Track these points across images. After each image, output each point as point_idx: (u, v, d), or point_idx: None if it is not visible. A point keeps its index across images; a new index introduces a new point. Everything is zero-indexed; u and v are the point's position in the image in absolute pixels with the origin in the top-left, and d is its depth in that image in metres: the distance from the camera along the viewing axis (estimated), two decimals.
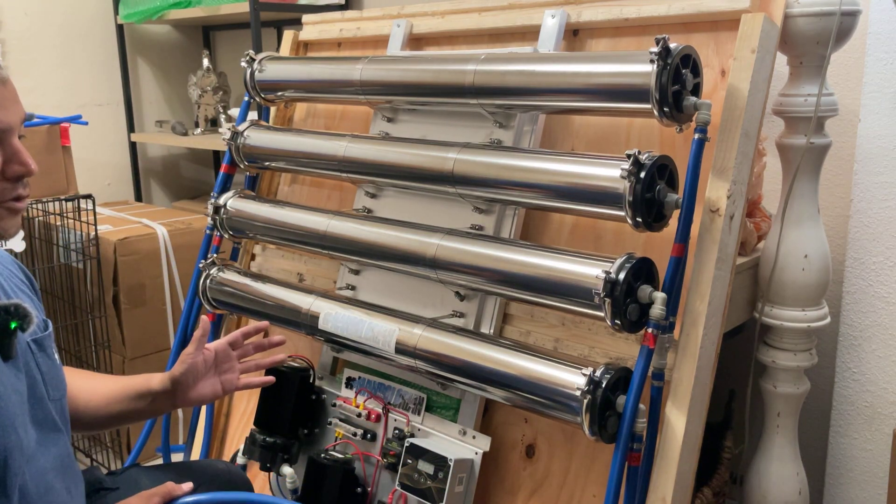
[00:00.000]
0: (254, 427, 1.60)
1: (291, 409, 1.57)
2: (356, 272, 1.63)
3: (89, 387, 1.26)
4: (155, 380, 1.26)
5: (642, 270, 1.17)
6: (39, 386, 1.06)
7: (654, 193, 1.16)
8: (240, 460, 1.62)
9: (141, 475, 1.26)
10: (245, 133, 1.77)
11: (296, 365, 1.62)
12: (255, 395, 1.68)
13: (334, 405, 1.59)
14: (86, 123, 2.58)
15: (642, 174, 1.14)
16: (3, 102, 0.98)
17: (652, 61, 1.16)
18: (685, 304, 1.23)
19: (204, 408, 1.91)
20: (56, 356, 1.12)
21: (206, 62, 3.04)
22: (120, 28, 3.09)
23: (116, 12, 3.03)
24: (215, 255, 1.81)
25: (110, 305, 2.33)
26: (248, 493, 1.32)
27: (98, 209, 2.47)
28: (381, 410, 1.52)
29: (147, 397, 1.25)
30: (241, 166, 1.81)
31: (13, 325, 1.01)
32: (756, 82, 1.24)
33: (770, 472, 1.55)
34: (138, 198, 3.23)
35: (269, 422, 1.59)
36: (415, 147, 1.47)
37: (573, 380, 1.17)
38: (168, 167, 3.40)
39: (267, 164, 1.76)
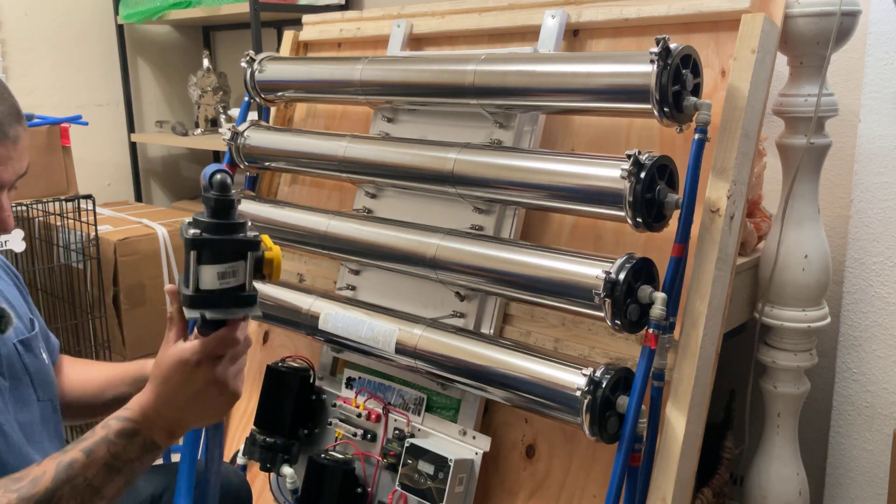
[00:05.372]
0: (254, 427, 1.60)
1: (291, 409, 1.57)
2: (356, 272, 1.63)
3: (84, 374, 1.25)
4: (150, 365, 1.22)
5: (642, 271, 1.16)
6: (26, 388, 1.05)
7: (655, 193, 1.16)
8: (240, 461, 1.62)
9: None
10: (245, 133, 1.77)
11: (296, 365, 1.62)
12: (255, 395, 1.67)
13: (334, 405, 1.59)
14: (86, 124, 2.58)
15: (642, 174, 1.14)
16: (3, 159, 0.95)
17: (652, 61, 1.16)
18: (685, 304, 1.23)
19: None
20: (44, 355, 1.12)
21: (206, 62, 3.04)
22: (120, 28, 3.09)
23: (116, 12, 3.03)
24: None
25: (110, 306, 2.33)
26: None
27: (98, 209, 2.47)
28: (381, 411, 1.51)
29: (142, 382, 1.21)
30: (241, 166, 1.81)
31: None
32: (756, 82, 1.24)
33: (770, 472, 1.55)
34: (138, 198, 3.23)
35: (269, 422, 1.59)
36: (415, 147, 1.47)
37: (573, 380, 1.17)
38: (168, 167, 3.40)
39: (267, 164, 1.76)
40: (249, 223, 0.89)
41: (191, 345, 0.89)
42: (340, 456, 1.47)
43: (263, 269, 0.89)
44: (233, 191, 0.87)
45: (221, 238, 0.86)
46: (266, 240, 0.91)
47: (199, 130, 3.04)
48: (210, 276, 0.85)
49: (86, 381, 1.25)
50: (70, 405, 1.23)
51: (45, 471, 0.85)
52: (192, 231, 0.85)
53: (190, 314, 0.86)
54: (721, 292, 1.24)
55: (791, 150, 1.47)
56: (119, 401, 1.24)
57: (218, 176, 0.86)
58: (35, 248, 2.37)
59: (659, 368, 1.20)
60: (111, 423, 0.89)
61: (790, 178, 1.48)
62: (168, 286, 0.94)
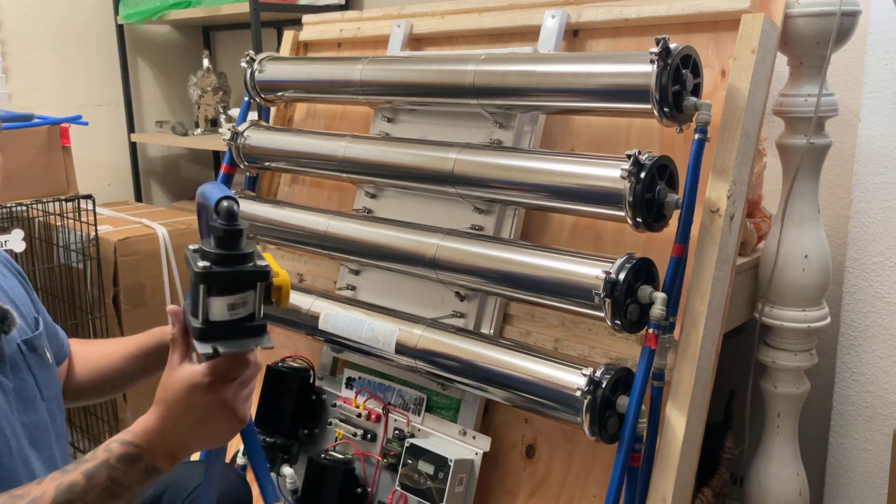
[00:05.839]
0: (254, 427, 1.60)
1: (291, 409, 1.57)
2: (356, 272, 1.63)
3: (101, 352, 1.25)
4: (166, 333, 1.21)
5: (642, 271, 1.16)
6: (31, 388, 1.05)
7: (654, 194, 1.16)
8: (240, 461, 1.62)
9: None
10: (245, 133, 1.77)
11: (296, 365, 1.62)
12: (255, 395, 1.68)
13: (334, 405, 1.59)
14: (86, 124, 2.58)
15: (642, 174, 1.14)
16: None
17: (652, 62, 1.16)
18: (685, 304, 1.23)
19: None
20: (48, 355, 1.11)
21: (206, 62, 3.04)
22: (120, 28, 3.09)
23: (116, 12, 3.03)
24: None
25: (110, 306, 2.33)
26: None
27: (98, 209, 2.47)
28: (381, 411, 1.52)
29: (162, 353, 1.18)
30: (241, 166, 1.81)
31: None
32: (756, 82, 1.24)
33: (770, 472, 1.55)
34: (138, 198, 3.23)
35: (269, 422, 1.59)
36: (415, 147, 1.47)
37: (573, 380, 1.17)
38: (168, 167, 3.40)
39: (267, 164, 1.76)
40: (258, 250, 0.88)
41: (201, 366, 0.88)
42: (340, 456, 1.47)
43: (272, 296, 0.89)
44: (240, 219, 0.85)
45: (231, 270, 0.84)
46: (271, 262, 0.90)
47: (199, 130, 3.04)
48: (220, 308, 0.85)
49: (103, 357, 1.25)
50: (89, 385, 1.23)
51: (44, 492, 0.86)
52: (201, 264, 0.83)
53: (203, 349, 0.85)
54: (721, 292, 1.24)
55: (791, 150, 1.47)
56: (143, 371, 1.24)
57: (224, 203, 0.83)
58: (35, 248, 2.37)
59: (659, 368, 1.20)
60: (113, 447, 0.89)
61: (790, 178, 1.48)
62: (170, 307, 0.93)
